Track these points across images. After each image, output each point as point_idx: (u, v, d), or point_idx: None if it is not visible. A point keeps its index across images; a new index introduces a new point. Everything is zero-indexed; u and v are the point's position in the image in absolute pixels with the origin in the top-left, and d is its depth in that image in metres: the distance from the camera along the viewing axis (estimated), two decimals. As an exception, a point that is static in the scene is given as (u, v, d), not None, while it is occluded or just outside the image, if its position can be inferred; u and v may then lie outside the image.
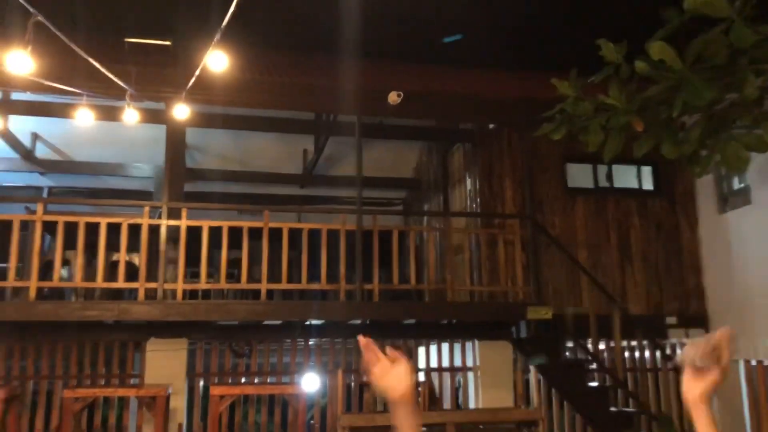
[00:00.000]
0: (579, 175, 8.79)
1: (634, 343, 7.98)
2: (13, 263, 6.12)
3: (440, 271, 7.61)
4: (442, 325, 7.91)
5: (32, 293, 6.14)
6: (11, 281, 6.16)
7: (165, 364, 6.96)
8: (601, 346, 7.69)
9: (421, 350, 8.15)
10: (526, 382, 7.93)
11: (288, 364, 7.55)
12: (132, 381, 7.10)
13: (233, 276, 7.32)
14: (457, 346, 8.04)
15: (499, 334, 7.67)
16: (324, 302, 6.98)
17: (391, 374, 1.80)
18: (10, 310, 6.13)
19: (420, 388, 7.35)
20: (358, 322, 7.53)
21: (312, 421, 6.64)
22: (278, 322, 7.27)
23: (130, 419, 7.05)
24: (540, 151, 8.36)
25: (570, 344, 7.62)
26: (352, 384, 7.60)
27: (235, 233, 6.80)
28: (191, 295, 6.81)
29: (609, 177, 8.77)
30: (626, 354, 7.93)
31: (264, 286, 6.66)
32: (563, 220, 8.49)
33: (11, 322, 6.27)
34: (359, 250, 6.91)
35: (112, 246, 6.47)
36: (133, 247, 6.56)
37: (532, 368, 7.36)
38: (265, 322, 7.25)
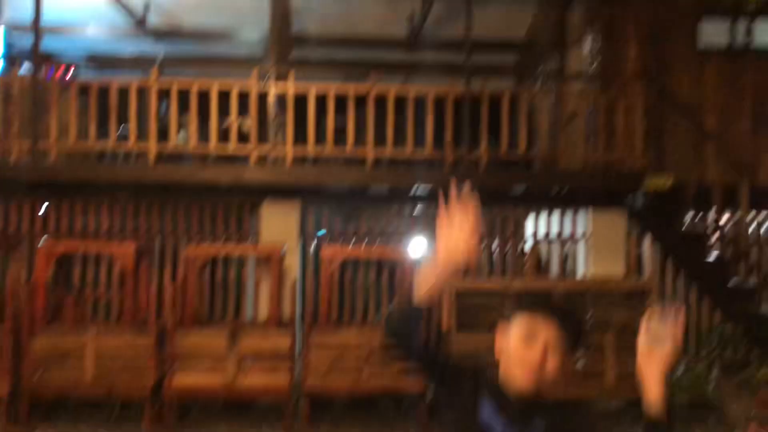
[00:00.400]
0: (712, 34, 7.95)
1: (761, 216, 7.47)
2: (132, 128, 6.40)
3: (552, 140, 7.29)
4: (552, 194, 7.70)
5: (151, 157, 6.45)
6: (132, 145, 6.49)
7: (279, 225, 7.25)
8: (724, 218, 7.25)
9: (529, 220, 8.03)
10: (639, 255, 7.69)
11: (394, 230, 7.67)
12: (249, 240, 7.48)
13: (340, 142, 7.35)
14: (568, 216, 7.84)
15: (613, 203, 7.38)
16: (430, 170, 6.91)
17: (455, 238, 1.85)
18: (133, 172, 6.50)
19: (526, 257, 7.31)
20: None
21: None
22: (385, 189, 7.33)
23: (248, 275, 7.50)
24: (668, 6, 7.58)
25: (690, 215, 7.22)
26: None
27: (341, 100, 6.75)
28: (300, 160, 6.94)
29: (748, 34, 7.87)
30: (751, 227, 7.45)
31: (370, 153, 6.66)
32: (691, 84, 7.81)
33: (136, 184, 6.67)
34: (467, 117, 6.70)
35: (223, 111, 6.61)
36: (243, 112, 6.67)
37: (646, 239, 7.10)
38: (373, 189, 7.33)
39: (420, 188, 7.22)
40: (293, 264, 7.26)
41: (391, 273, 7.71)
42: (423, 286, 1.90)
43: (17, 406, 6.08)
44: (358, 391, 6.30)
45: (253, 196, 7.29)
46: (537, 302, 1.94)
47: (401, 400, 6.80)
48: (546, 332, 1.83)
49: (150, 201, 7.31)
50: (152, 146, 6.45)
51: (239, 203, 7.45)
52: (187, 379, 6.21)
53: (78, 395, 6.40)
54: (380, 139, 6.78)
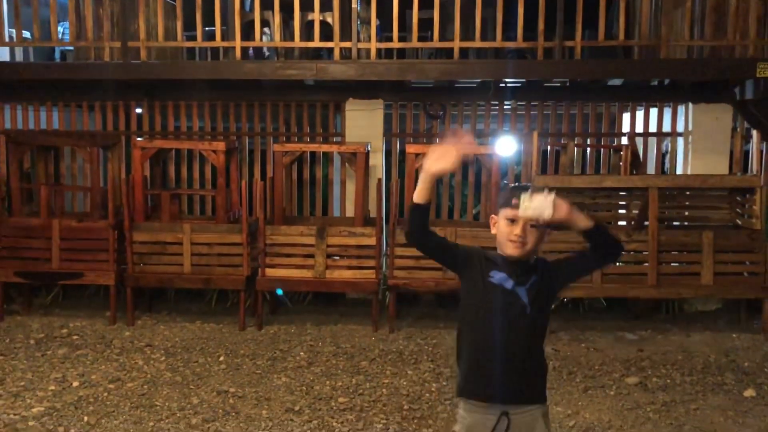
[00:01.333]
0: None
1: None
2: (218, 25, 6.38)
3: (654, 26, 6.73)
4: (652, 86, 7.22)
5: (237, 53, 6.44)
6: (218, 42, 6.48)
7: (363, 123, 7.19)
8: None
9: (626, 116, 7.60)
10: (746, 152, 7.19)
11: (482, 129, 7.45)
12: (334, 140, 7.49)
13: (426, 39, 7.07)
14: (667, 111, 7.37)
15: (719, 96, 6.85)
16: (520, 61, 6.57)
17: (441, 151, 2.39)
18: (220, 70, 6.53)
19: (621, 152, 6.95)
20: (557, 83, 7.09)
21: (506, 182, 6.62)
22: (472, 84, 7.07)
23: (334, 174, 7.55)
24: None
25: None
26: (548, 148, 7.38)
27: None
28: (385, 54, 6.75)
29: None
30: None
31: (457, 44, 6.38)
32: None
33: (223, 81, 6.71)
34: (561, 3, 6.27)
35: (307, 7, 6.45)
36: (326, 6, 6.49)
37: (754, 134, 6.58)
38: (459, 84, 7.08)
39: (509, 82, 6.92)
40: (378, 162, 7.23)
41: (478, 171, 7.58)
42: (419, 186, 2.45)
43: (122, 297, 6.51)
44: (443, 286, 6.35)
45: (338, 94, 7.22)
46: (518, 189, 2.45)
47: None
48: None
49: (238, 100, 7.38)
50: (238, 43, 6.42)
51: (324, 102, 7.40)
52: (278, 272, 6.43)
53: (176, 287, 6.77)
54: (468, 30, 6.47)
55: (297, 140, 7.46)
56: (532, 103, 7.32)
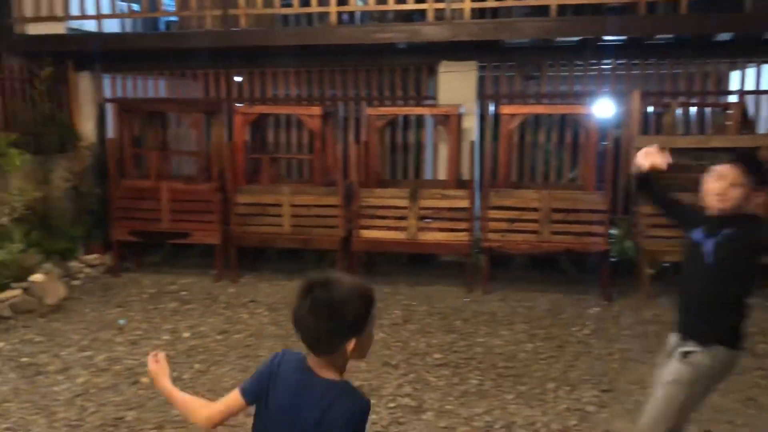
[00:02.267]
0: None
1: None
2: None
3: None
4: (766, 40, 6.77)
5: (332, 18, 6.53)
6: (314, 7, 6.60)
7: (456, 86, 7.16)
8: None
9: (734, 75, 7.18)
10: None
11: (580, 90, 7.24)
12: (427, 102, 7.49)
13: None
14: (782, 67, 6.91)
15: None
16: (621, 16, 6.32)
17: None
18: (315, 34, 6.66)
19: (731, 111, 6.60)
20: (661, 40, 6.78)
21: (605, 143, 6.45)
22: (570, 42, 6.87)
23: (426, 137, 7.58)
24: None
25: None
26: (650, 109, 7.09)
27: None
28: (479, 14, 6.66)
29: None
30: None
31: (554, 1, 6.21)
32: None
33: (317, 47, 6.83)
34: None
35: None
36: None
37: None
38: (556, 43, 6.90)
39: (609, 40, 6.68)
40: (471, 125, 7.19)
41: (575, 134, 7.41)
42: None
43: (227, 255, 6.84)
44: (537, 249, 6.30)
45: (431, 57, 7.21)
46: (724, 156, 2.82)
47: (582, 260, 6.73)
48: (731, 173, 2.74)
49: (332, 65, 7.50)
50: (333, 8, 6.51)
51: (417, 65, 7.41)
52: (372, 233, 6.57)
53: (277, 246, 7.04)
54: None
55: (391, 104, 7.51)
56: (633, 62, 7.04)
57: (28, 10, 7.17)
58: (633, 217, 6.56)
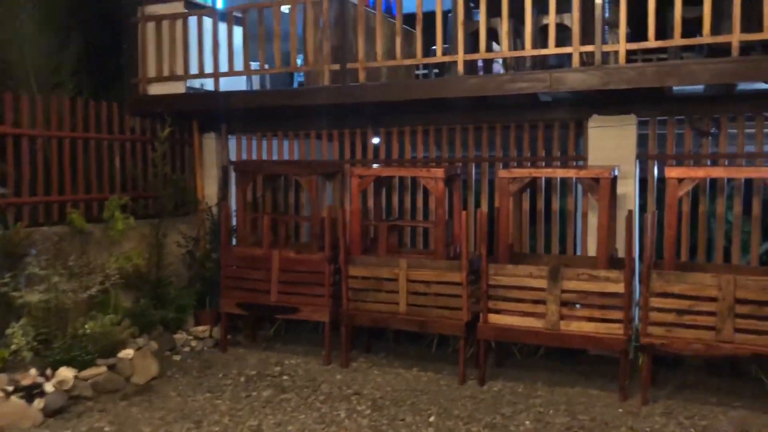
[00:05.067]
0: None
1: None
2: (438, 38, 5.71)
3: None
4: None
5: (460, 67, 5.70)
6: (439, 56, 5.81)
7: (610, 144, 6.01)
8: None
9: None
10: None
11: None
12: (575, 164, 6.37)
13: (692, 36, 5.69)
14: None
15: None
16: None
17: None
18: (440, 86, 5.84)
19: None
20: None
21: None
22: (756, 88, 5.51)
23: (575, 205, 6.43)
24: None
25: None
26: None
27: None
28: (635, 58, 5.53)
29: None
30: None
31: (736, 37, 4.93)
32: None
33: (447, 102, 6.02)
34: None
35: (541, 8, 5.52)
36: (564, 7, 5.48)
37: None
38: (738, 90, 5.57)
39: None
40: (629, 190, 5.97)
41: (765, 202, 5.91)
42: None
43: (339, 334, 6.06)
44: (714, 351, 4.88)
45: (580, 110, 6.13)
46: None
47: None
48: None
49: (465, 122, 6.65)
50: (460, 57, 5.68)
51: (563, 121, 6.35)
52: (503, 319, 5.50)
53: (391, 327, 6.16)
54: (752, 20, 5.00)
55: (530, 165, 6.47)
56: None
57: (152, 71, 7.05)
58: None
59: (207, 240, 7.25)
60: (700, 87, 5.68)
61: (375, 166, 6.88)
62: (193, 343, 6.57)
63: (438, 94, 5.81)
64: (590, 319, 5.27)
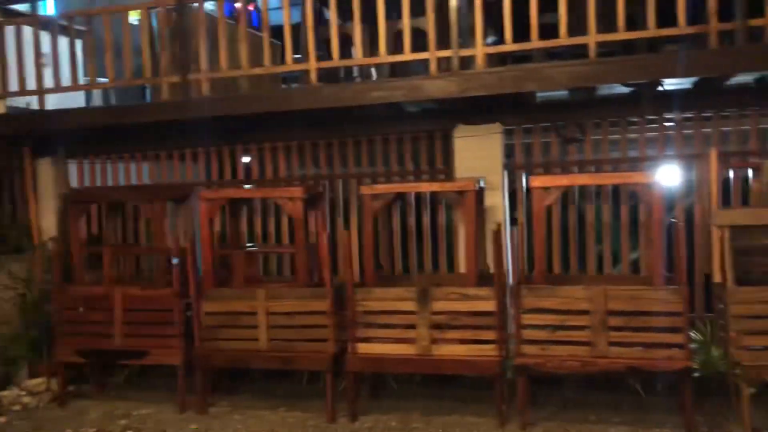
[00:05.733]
0: None
1: None
2: (288, 45, 5.24)
3: None
4: None
5: (312, 76, 5.24)
6: (289, 65, 5.32)
7: (477, 155, 5.74)
8: None
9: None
10: None
11: (635, 155, 5.68)
12: (442, 177, 6.05)
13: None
14: None
15: None
16: (685, 52, 4.79)
17: None
18: (292, 97, 5.35)
19: None
20: (738, 83, 5.23)
21: (674, 221, 4.83)
22: (619, 92, 5.40)
23: (445, 219, 6.09)
24: None
25: None
26: (731, 173, 5.45)
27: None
28: (495, 63, 5.27)
29: None
30: None
31: (593, 38, 4.76)
32: None
33: (308, 115, 5.51)
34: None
35: (399, 12, 5.16)
36: (421, 11, 5.14)
37: None
38: (601, 94, 5.44)
39: (671, 82, 5.16)
40: (497, 202, 5.70)
41: (633, 210, 5.79)
42: None
43: (193, 378, 5.40)
44: (590, 368, 4.63)
45: (445, 120, 5.82)
46: None
47: (653, 378, 5.00)
48: None
49: (329, 137, 6.20)
50: (312, 65, 5.23)
51: (429, 132, 6.02)
52: (373, 348, 5.04)
53: (251, 366, 5.56)
54: (607, 20, 4.84)
55: (400, 180, 6.10)
56: (705, 114, 5.46)
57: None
58: (719, 318, 4.85)
59: (45, 280, 6.37)
60: (564, 93, 5.53)
61: (247, 186, 6.30)
62: (26, 400, 5.72)
63: (290, 106, 5.32)
64: (463, 342, 4.92)
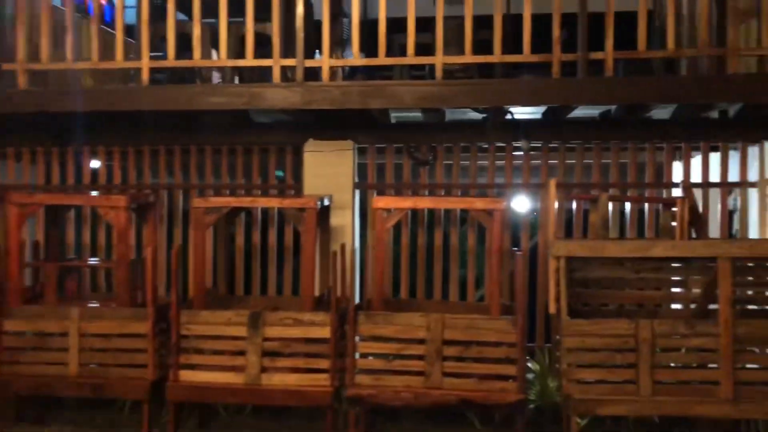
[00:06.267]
0: None
1: None
2: (119, 39, 4.77)
3: (720, 31, 4.90)
4: (713, 120, 5.40)
5: (145, 76, 4.79)
6: (119, 62, 4.84)
7: (327, 171, 5.49)
8: None
9: (677, 165, 5.73)
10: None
11: (485, 182, 5.64)
12: (290, 193, 5.75)
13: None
14: (734, 155, 5.53)
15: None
16: (528, 80, 4.76)
17: None
18: (118, 97, 4.85)
19: (676, 209, 5.01)
20: (583, 115, 5.31)
21: (515, 249, 4.77)
22: (471, 118, 5.34)
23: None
24: None
25: None
26: (573, 204, 5.52)
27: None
28: (344, 77, 5.07)
29: None
30: None
31: (440, 59, 4.64)
32: None
33: (128, 114, 5.01)
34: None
35: (237, 14, 4.83)
36: (264, 15, 4.85)
37: None
38: (453, 118, 5.36)
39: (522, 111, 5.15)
40: (347, 222, 5.46)
41: (480, 233, 5.74)
42: None
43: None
44: (423, 400, 4.44)
45: (297, 134, 5.54)
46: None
47: (489, 411, 4.87)
48: None
49: (169, 143, 5.74)
50: (145, 63, 4.78)
51: (279, 145, 5.72)
52: (197, 375, 4.62)
53: (57, 394, 4.95)
54: (455, 41, 4.76)
55: (244, 193, 5.73)
56: (552, 145, 5.50)
57: None
58: (556, 349, 4.81)
59: None
60: (418, 114, 5.40)
61: (94, 193, 5.68)
62: None
63: (121, 106, 4.83)
64: (295, 371, 4.59)
